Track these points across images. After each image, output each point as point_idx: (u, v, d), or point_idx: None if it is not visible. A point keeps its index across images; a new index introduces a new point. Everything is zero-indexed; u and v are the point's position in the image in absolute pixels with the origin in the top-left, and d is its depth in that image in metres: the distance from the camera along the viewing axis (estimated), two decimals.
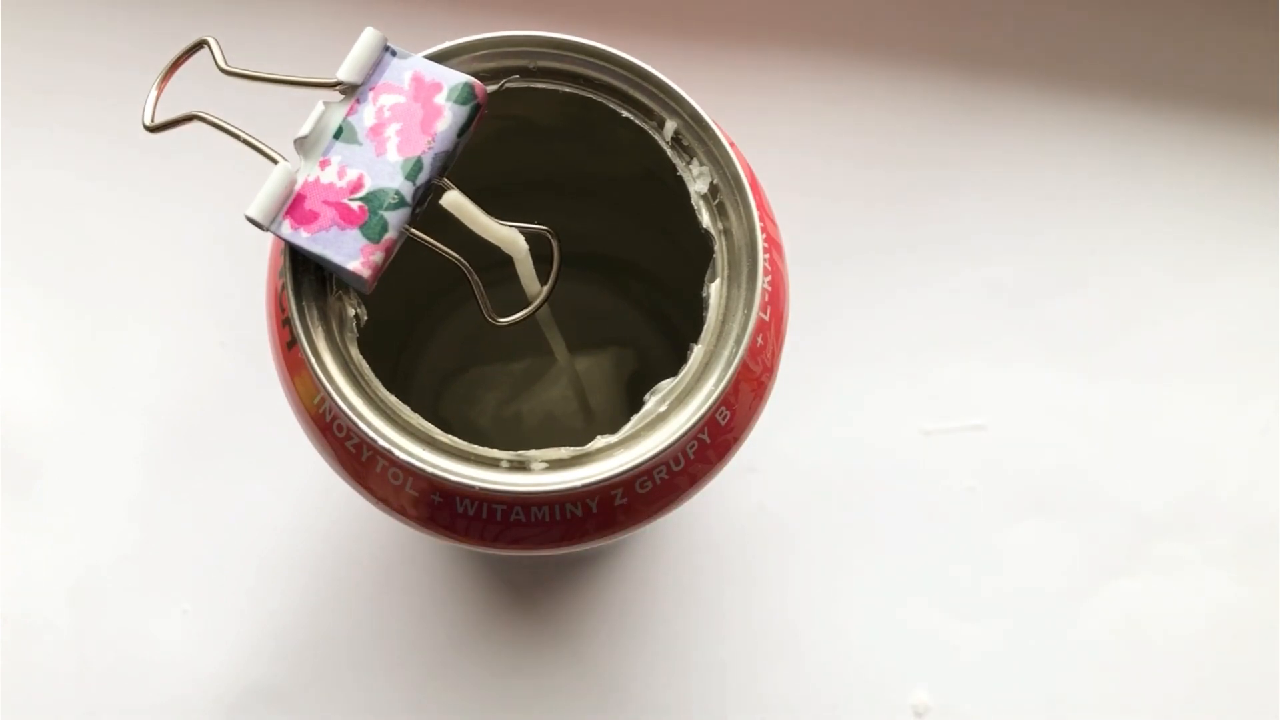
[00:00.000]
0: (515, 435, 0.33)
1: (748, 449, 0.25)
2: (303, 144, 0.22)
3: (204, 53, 0.22)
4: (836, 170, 0.38)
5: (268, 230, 0.21)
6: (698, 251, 0.24)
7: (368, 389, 0.22)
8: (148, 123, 0.22)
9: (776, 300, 0.23)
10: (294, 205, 0.21)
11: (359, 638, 0.34)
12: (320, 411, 0.23)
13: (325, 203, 0.21)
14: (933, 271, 0.37)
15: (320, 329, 0.22)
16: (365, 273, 0.21)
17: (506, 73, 0.23)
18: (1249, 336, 0.37)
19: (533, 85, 0.23)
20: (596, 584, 0.35)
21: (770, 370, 0.24)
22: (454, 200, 0.22)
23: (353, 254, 0.21)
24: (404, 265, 0.23)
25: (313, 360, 0.21)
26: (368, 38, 0.22)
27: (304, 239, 0.21)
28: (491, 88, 0.23)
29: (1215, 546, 0.36)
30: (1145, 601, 0.35)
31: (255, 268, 0.26)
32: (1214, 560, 0.36)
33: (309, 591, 0.35)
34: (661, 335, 0.35)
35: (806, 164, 0.37)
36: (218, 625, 0.34)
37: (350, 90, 0.22)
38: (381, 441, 0.21)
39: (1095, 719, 0.35)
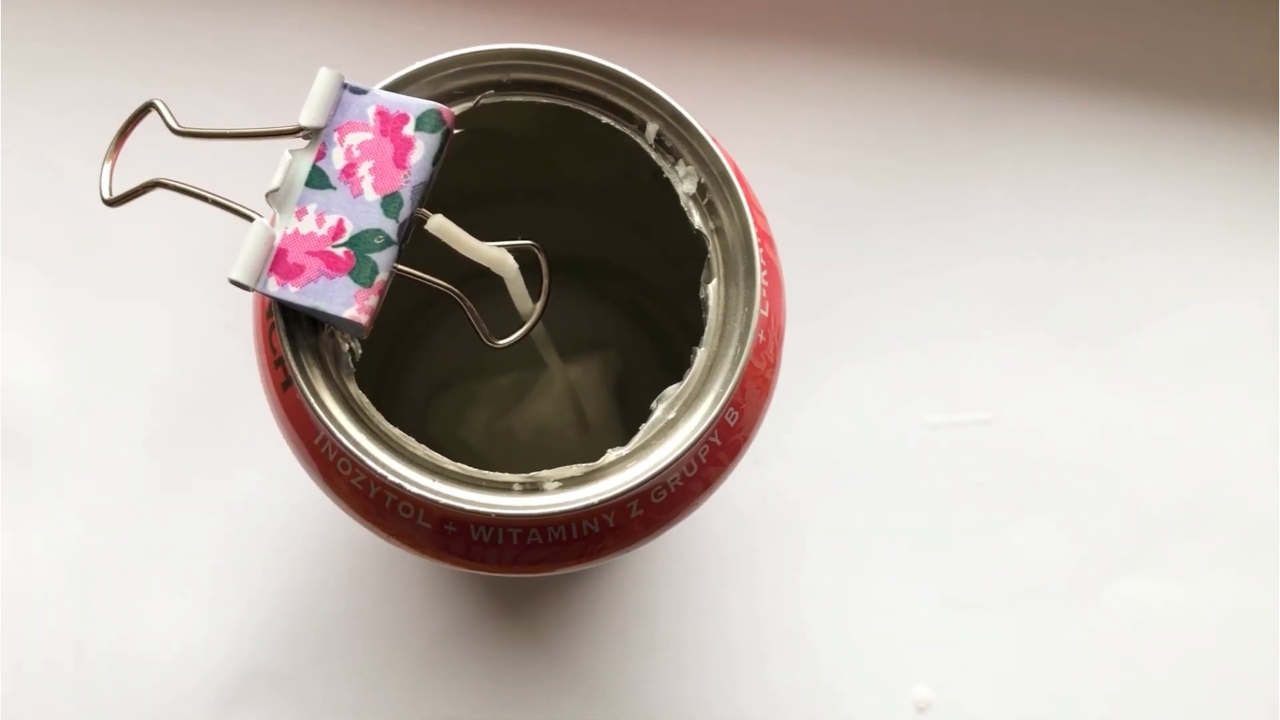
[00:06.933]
0: (508, 452, 0.33)
1: (753, 440, 0.24)
2: (275, 197, 0.21)
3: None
4: (845, 164, 0.37)
5: (254, 290, 0.20)
6: (676, 246, 0.24)
7: (370, 423, 0.21)
8: (106, 196, 0.21)
9: (774, 294, 0.23)
10: (277, 260, 0.21)
11: (360, 622, 0.34)
12: (323, 451, 0.22)
13: (309, 253, 0.20)
14: (940, 265, 0.37)
15: (316, 368, 0.21)
16: (362, 319, 0.20)
17: (481, 88, 0.22)
18: (1259, 335, 0.37)
19: (508, 99, 0.23)
20: (601, 574, 0.35)
21: (773, 365, 0.23)
22: (439, 225, 0.21)
23: (346, 302, 0.20)
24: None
25: (312, 400, 0.21)
26: (324, 78, 0.21)
27: (293, 293, 0.20)
28: (466, 105, 0.22)
29: (1222, 545, 0.35)
30: (1151, 599, 0.35)
31: None
32: (1220, 559, 0.35)
33: (309, 576, 0.34)
34: (644, 333, 0.35)
35: (815, 158, 0.37)
36: (216, 609, 0.34)
37: (314, 134, 0.21)
38: (391, 477, 0.20)
39: (1098, 715, 0.34)
